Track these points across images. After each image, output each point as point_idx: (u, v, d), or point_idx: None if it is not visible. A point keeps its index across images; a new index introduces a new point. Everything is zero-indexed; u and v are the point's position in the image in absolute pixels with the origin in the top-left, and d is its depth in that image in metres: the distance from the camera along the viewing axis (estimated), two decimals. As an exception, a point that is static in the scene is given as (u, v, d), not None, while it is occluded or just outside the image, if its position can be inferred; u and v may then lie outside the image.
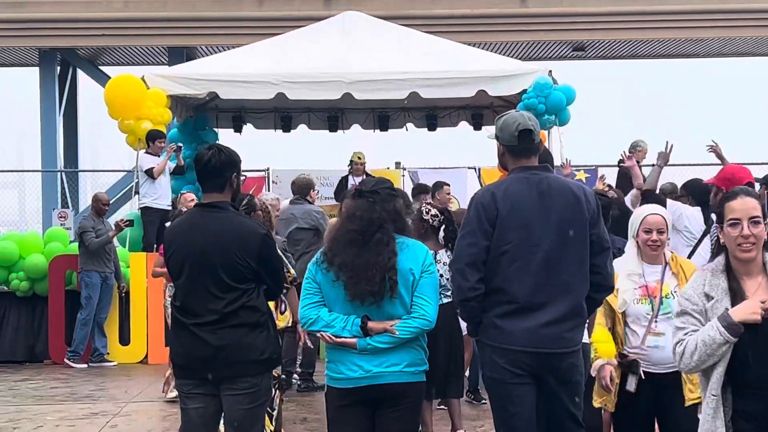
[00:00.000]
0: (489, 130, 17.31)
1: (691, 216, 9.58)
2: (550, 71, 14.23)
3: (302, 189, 12.45)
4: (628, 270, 6.10)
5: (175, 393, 10.59)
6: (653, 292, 6.01)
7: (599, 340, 6.02)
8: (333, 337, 5.28)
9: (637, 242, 6.10)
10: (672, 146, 9.76)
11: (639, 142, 14.64)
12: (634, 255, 6.12)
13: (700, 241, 9.28)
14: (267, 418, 7.88)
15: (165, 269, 9.52)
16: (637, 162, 10.70)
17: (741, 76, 37.79)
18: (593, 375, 5.99)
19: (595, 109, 23.36)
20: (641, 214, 6.18)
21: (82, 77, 23.31)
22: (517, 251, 5.41)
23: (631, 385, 5.94)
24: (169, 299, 10.44)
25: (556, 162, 11.88)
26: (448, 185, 13.05)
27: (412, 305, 5.28)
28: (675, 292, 5.92)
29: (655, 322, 5.95)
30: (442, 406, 9.39)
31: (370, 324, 5.23)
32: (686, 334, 4.43)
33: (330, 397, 5.42)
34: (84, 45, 21.73)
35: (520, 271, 5.40)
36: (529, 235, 5.43)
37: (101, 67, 23.03)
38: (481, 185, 16.68)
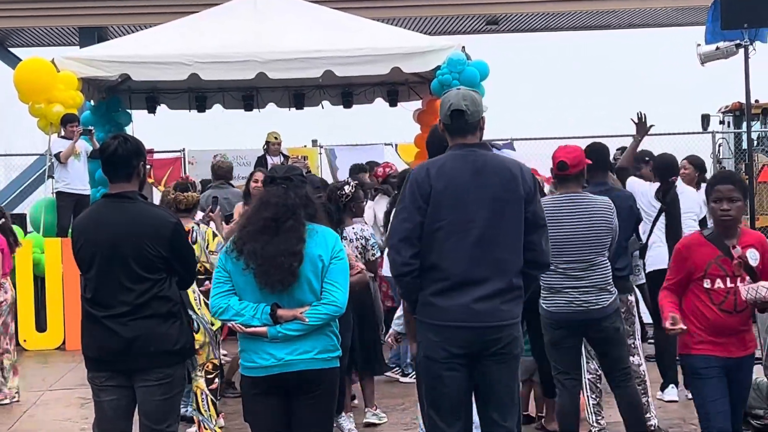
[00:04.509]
0: (404, 105, 17.40)
1: (643, 193, 9.15)
2: (464, 47, 14.28)
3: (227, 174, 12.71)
4: None
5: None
6: None
7: None
8: (243, 327, 5.28)
9: None
10: (645, 115, 8.96)
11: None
12: None
13: (656, 219, 9.22)
14: (212, 407, 7.96)
15: None
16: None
17: (651, 46, 38.37)
18: None
19: (509, 83, 23.51)
20: None
21: (-8, 59, 22.89)
22: (452, 228, 5.46)
23: None
24: None
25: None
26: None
27: (322, 291, 5.29)
28: None
29: None
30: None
31: (280, 311, 5.23)
32: None
33: (245, 386, 5.44)
34: (-8, 26, 21.34)
35: (454, 247, 5.45)
36: (464, 212, 5.48)
37: (11, 49, 22.63)
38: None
